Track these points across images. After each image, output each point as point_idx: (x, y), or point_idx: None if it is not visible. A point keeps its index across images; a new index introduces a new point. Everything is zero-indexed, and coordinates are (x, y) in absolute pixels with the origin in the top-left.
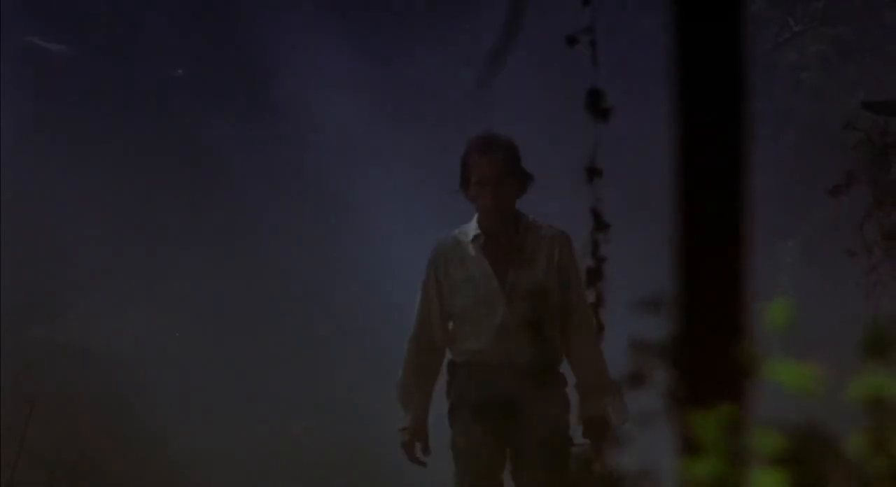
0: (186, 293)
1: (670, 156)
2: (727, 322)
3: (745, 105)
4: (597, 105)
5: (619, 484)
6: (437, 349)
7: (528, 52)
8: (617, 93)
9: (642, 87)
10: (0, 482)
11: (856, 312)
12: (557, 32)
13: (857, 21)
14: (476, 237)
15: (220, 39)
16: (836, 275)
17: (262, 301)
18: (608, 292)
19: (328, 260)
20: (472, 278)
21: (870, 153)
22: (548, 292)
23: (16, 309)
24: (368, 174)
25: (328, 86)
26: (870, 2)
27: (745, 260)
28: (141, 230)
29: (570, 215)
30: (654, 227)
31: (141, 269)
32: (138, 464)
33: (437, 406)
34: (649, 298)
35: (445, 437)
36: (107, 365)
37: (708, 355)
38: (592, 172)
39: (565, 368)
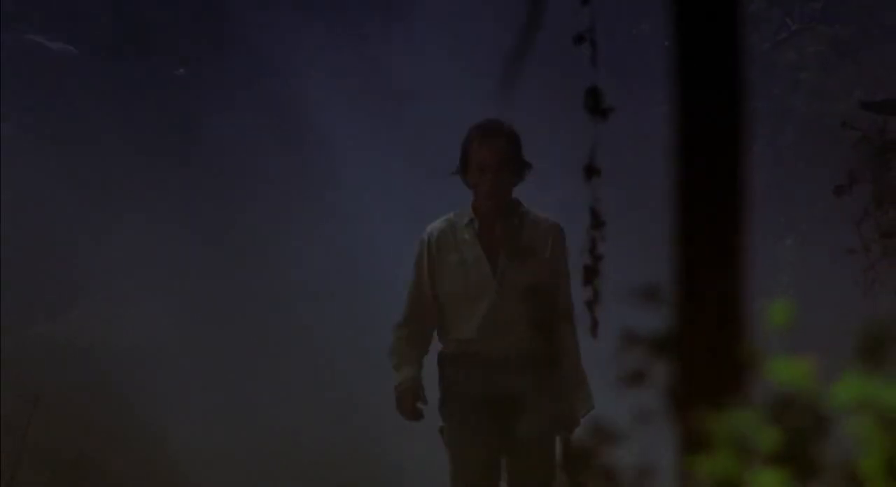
0: (186, 292)
1: (670, 155)
2: (726, 319)
3: (744, 104)
4: (596, 104)
5: (616, 480)
6: (427, 327)
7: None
8: (617, 94)
9: (642, 87)
10: (1, 481)
11: (854, 310)
12: (557, 32)
13: (856, 21)
14: (471, 221)
15: (220, 39)
16: (834, 273)
17: (262, 300)
18: (605, 289)
19: (328, 260)
20: (464, 262)
21: (869, 152)
22: (540, 284)
23: (16, 308)
24: (369, 174)
25: (328, 86)
26: (868, 2)
27: (743, 258)
28: (141, 229)
29: (570, 206)
30: (654, 226)
31: (141, 269)
32: (138, 464)
33: (432, 406)
34: (646, 287)
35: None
36: (107, 364)
37: (707, 352)
38: (591, 171)
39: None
